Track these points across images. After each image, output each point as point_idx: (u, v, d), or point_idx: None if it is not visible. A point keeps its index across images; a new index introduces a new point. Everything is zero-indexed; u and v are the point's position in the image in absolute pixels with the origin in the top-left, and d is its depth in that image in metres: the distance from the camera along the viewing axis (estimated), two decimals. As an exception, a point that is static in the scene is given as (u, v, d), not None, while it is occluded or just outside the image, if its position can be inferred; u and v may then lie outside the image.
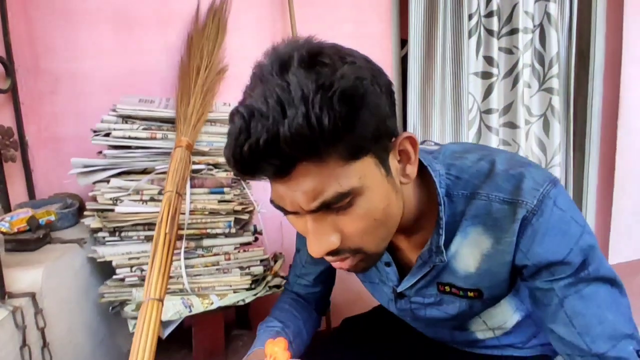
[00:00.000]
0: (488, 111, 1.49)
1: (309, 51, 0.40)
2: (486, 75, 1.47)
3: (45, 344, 0.74)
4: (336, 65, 0.40)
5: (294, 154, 0.39)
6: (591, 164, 1.74)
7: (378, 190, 0.44)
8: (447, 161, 0.54)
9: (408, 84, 1.42)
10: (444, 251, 0.53)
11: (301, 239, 0.74)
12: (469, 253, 0.53)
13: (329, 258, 0.47)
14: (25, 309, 0.70)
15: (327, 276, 0.75)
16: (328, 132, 0.38)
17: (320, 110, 0.37)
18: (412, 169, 0.48)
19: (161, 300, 0.59)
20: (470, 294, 0.56)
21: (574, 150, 1.74)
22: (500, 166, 0.51)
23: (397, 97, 1.08)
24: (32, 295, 0.73)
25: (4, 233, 0.86)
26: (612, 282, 0.49)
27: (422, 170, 0.53)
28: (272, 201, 0.46)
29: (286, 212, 0.46)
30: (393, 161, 0.47)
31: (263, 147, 0.37)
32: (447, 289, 0.57)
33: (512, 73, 1.51)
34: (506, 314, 0.63)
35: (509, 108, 1.55)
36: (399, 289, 0.60)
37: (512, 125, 1.55)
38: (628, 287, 0.51)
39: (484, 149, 0.57)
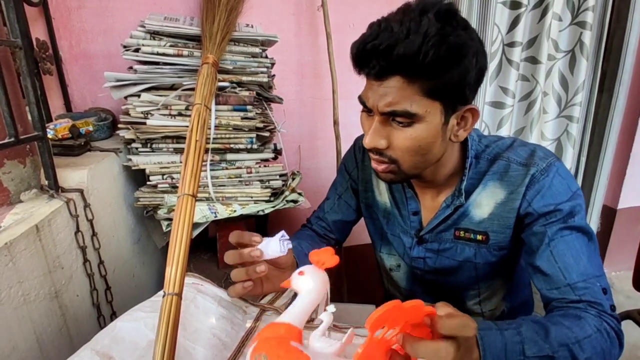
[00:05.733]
0: (511, 43, 1.45)
1: (447, 9, 0.52)
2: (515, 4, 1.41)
3: (94, 233, 0.86)
4: (458, 28, 0.52)
5: (397, 65, 0.52)
6: (617, 106, 1.70)
7: (432, 128, 0.57)
8: (479, 134, 0.71)
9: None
10: (464, 194, 0.66)
11: (333, 190, 0.88)
12: (485, 202, 0.66)
13: (373, 156, 0.61)
14: (76, 201, 0.81)
15: (342, 227, 0.87)
16: (426, 65, 0.51)
17: (431, 48, 0.50)
18: (463, 134, 0.61)
19: (194, 196, 0.68)
20: (479, 237, 0.67)
21: (601, 91, 1.70)
22: (519, 142, 0.68)
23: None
24: (81, 191, 0.84)
25: (50, 139, 0.95)
26: (590, 237, 0.60)
27: None
28: (360, 97, 0.60)
29: (364, 108, 0.60)
30: (453, 120, 0.59)
31: (380, 50, 0.51)
32: (462, 233, 0.68)
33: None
34: (499, 298, 0.77)
35: (532, 42, 1.50)
36: (422, 232, 0.72)
37: (534, 60, 1.50)
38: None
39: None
